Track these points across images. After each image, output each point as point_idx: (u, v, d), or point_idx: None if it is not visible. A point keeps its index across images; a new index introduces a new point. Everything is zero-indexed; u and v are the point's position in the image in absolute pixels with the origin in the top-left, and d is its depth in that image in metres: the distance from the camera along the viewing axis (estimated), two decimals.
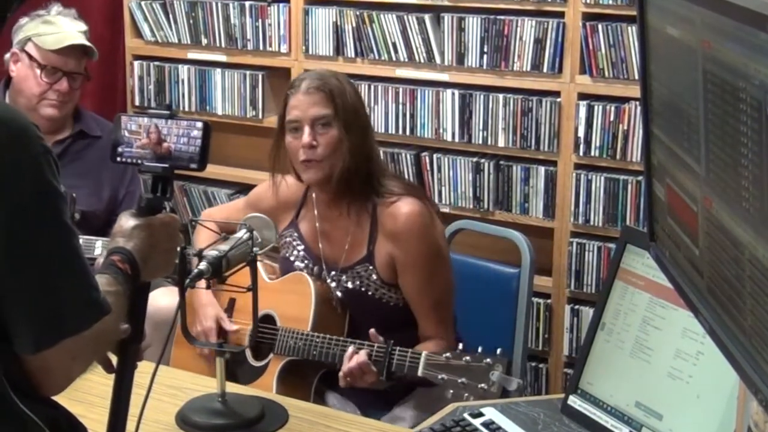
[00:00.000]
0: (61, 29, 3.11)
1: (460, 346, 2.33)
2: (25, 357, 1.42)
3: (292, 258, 2.68)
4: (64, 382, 1.47)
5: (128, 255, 1.61)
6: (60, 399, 1.52)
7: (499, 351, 2.26)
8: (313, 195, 2.68)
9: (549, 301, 3.58)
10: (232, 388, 2.30)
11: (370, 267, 2.57)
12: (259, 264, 2.65)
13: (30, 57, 3.10)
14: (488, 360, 2.23)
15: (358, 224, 2.59)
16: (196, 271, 2.12)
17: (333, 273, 2.62)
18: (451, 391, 2.26)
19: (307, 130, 2.53)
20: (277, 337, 2.56)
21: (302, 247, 2.68)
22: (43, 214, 1.42)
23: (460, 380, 2.24)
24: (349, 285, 2.59)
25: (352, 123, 2.55)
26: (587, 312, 3.47)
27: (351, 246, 2.60)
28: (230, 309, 2.71)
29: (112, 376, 1.70)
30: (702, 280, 1.30)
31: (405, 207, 2.54)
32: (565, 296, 3.55)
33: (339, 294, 2.60)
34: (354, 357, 2.37)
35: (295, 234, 2.69)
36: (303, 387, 2.56)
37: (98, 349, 1.55)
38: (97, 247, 2.95)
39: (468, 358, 2.25)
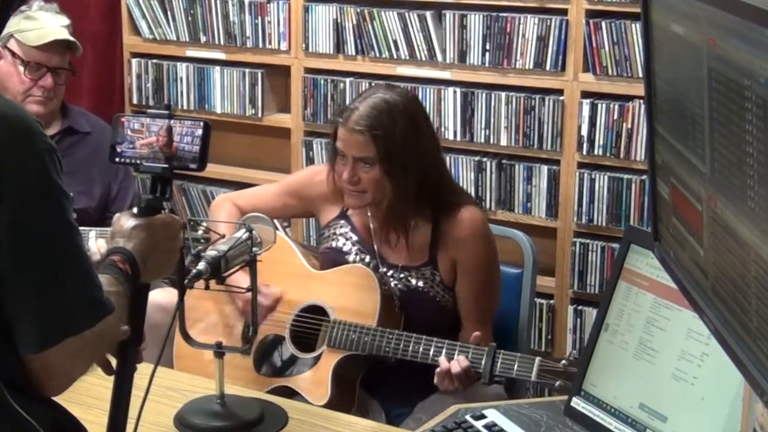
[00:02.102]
0: (43, 25, 3.08)
1: None
2: (27, 356, 1.42)
3: (345, 249, 2.66)
4: (66, 381, 1.47)
5: (128, 255, 1.61)
6: (57, 401, 1.51)
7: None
8: None
9: (552, 301, 3.56)
10: (231, 390, 2.28)
11: (435, 271, 2.59)
12: (299, 253, 2.68)
13: (13, 54, 3.07)
14: None
15: (416, 229, 2.59)
16: (194, 271, 2.09)
17: (392, 271, 2.61)
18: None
19: (349, 166, 2.52)
20: (330, 330, 2.52)
21: (356, 238, 2.66)
22: (48, 213, 1.42)
23: None
24: (412, 284, 2.59)
25: (396, 164, 2.50)
26: (590, 313, 3.45)
27: (411, 250, 2.60)
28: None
29: (110, 378, 1.70)
30: (707, 281, 1.29)
31: (468, 214, 2.58)
32: (568, 297, 3.54)
33: (398, 292, 2.60)
34: (456, 362, 2.38)
35: (348, 226, 2.68)
36: (351, 384, 2.56)
37: (100, 348, 1.56)
38: (90, 238, 2.93)
39: None
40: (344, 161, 2.53)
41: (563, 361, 2.33)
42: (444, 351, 2.41)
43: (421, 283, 2.59)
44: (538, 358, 2.35)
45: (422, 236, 2.60)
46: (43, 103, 3.09)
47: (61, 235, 1.43)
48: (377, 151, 2.48)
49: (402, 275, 2.60)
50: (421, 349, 2.44)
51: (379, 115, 2.48)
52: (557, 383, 2.30)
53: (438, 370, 2.39)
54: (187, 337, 2.29)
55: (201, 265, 2.10)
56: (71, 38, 3.11)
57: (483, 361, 2.37)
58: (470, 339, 2.43)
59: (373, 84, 3.70)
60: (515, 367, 2.36)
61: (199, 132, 1.73)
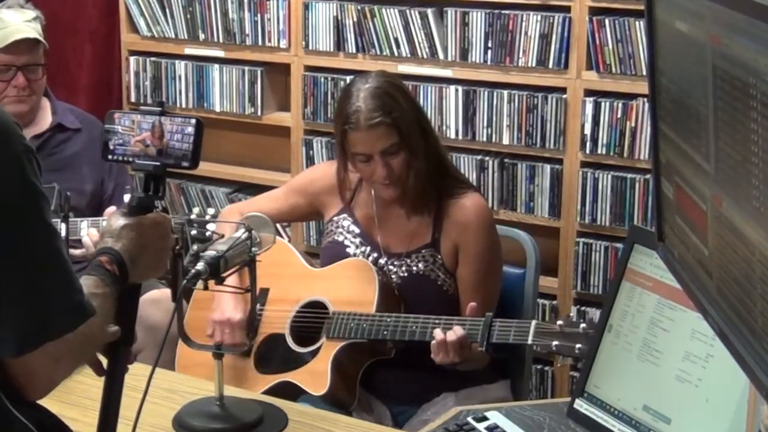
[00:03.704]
0: (6, 24, 3.01)
1: None
2: (7, 360, 1.40)
3: (346, 243, 2.67)
4: (48, 385, 1.45)
5: (116, 256, 1.59)
6: (54, 403, 1.50)
7: None
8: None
9: (555, 302, 3.55)
10: (230, 391, 2.26)
11: (436, 253, 2.59)
12: (297, 253, 2.69)
13: None
14: None
15: (420, 213, 2.61)
16: (193, 271, 2.07)
17: (392, 259, 2.62)
18: (561, 356, 2.33)
19: (379, 164, 2.53)
20: (331, 322, 2.53)
21: (358, 231, 2.67)
22: (26, 215, 1.39)
23: (576, 347, 2.27)
24: (414, 268, 2.59)
25: (416, 141, 2.55)
26: (594, 314, 3.43)
27: (413, 233, 2.62)
28: (263, 298, 2.67)
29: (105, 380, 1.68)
30: (711, 281, 1.28)
31: (472, 200, 2.60)
32: (571, 297, 3.52)
33: (398, 279, 2.60)
34: (451, 332, 2.38)
35: (350, 219, 2.68)
36: (352, 377, 2.55)
37: (84, 352, 1.53)
38: (82, 228, 2.91)
39: (584, 325, 2.29)
40: (369, 162, 2.54)
41: (559, 322, 2.32)
42: (441, 326, 2.42)
43: (421, 266, 2.59)
44: (534, 321, 2.36)
45: (426, 219, 2.61)
46: (22, 101, 3.05)
47: (38, 237, 1.40)
48: (399, 133, 2.51)
49: (403, 261, 2.60)
50: (418, 329, 2.44)
51: (382, 101, 2.51)
52: (554, 343, 2.29)
53: (433, 342, 2.39)
54: (186, 339, 2.27)
55: (200, 266, 2.08)
56: (35, 35, 3.04)
57: (480, 330, 2.37)
58: (466, 310, 2.43)
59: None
60: (512, 333, 2.36)
61: (190, 129, 1.72)
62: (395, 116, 2.50)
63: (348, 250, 2.65)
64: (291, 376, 2.54)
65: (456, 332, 2.37)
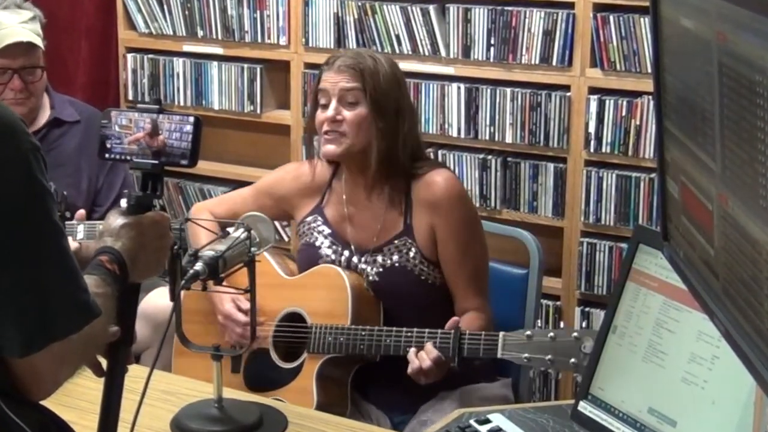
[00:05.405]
0: (2, 26, 2.97)
1: None
2: (11, 361, 1.39)
3: (317, 244, 2.63)
4: (52, 386, 1.45)
5: (116, 255, 1.59)
6: (52, 405, 1.49)
7: (581, 326, 2.26)
8: (342, 178, 2.63)
9: (558, 303, 3.54)
10: (229, 393, 2.25)
11: (410, 240, 2.54)
12: (273, 261, 2.64)
13: None
14: (575, 334, 2.22)
15: (390, 203, 2.56)
16: (191, 272, 2.06)
17: (365, 256, 2.58)
18: (533, 369, 2.31)
19: (333, 103, 2.51)
20: (309, 336, 2.50)
21: (329, 231, 2.63)
22: (32, 213, 1.39)
23: (546, 357, 2.23)
24: (388, 262, 2.55)
25: (382, 104, 2.50)
26: (598, 314, 3.42)
27: (384, 225, 2.57)
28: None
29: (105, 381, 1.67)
30: (717, 282, 1.26)
31: (439, 176, 2.54)
32: (575, 298, 3.51)
33: (375, 276, 2.56)
34: (424, 355, 2.34)
35: (320, 219, 2.65)
36: (340, 386, 2.53)
37: (87, 352, 1.53)
38: (79, 232, 2.88)
39: (552, 334, 2.24)
40: (326, 108, 2.53)
41: (527, 332, 2.28)
42: (413, 341, 2.38)
43: (396, 257, 2.54)
44: (502, 333, 2.32)
45: (396, 208, 2.56)
46: (20, 104, 3.02)
47: (44, 236, 1.40)
48: (363, 83, 2.49)
49: (376, 257, 2.56)
50: (392, 343, 2.41)
51: (365, 57, 2.53)
52: (524, 356, 2.26)
53: (409, 370, 2.36)
54: (184, 339, 2.25)
55: (198, 266, 2.06)
56: (29, 38, 3.00)
57: (450, 345, 2.34)
58: (447, 324, 2.38)
59: None
60: (481, 346, 2.32)
61: (189, 128, 1.72)
62: (365, 70, 2.49)
63: (321, 251, 2.62)
64: (279, 394, 2.52)
65: (429, 355, 2.33)
